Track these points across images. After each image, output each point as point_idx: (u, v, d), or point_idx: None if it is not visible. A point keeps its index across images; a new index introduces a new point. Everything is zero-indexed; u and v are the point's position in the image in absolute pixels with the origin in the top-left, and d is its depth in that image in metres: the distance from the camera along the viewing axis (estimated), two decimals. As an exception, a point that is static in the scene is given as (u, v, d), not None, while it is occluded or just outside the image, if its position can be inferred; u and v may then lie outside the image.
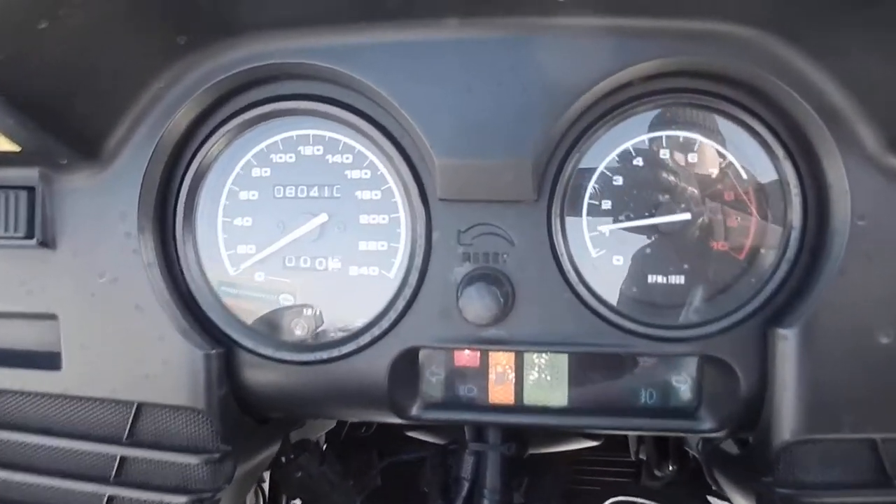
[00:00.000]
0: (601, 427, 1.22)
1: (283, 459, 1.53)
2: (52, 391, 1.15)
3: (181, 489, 1.13)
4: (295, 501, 1.84)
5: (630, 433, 1.67)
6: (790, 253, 1.05)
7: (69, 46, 0.93)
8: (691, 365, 1.13)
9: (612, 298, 1.11)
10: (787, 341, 1.01)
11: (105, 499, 1.14)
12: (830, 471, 1.04)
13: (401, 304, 1.11)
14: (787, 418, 1.01)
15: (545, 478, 1.63)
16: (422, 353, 1.17)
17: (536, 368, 1.15)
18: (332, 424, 1.88)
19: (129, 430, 1.14)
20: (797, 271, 1.06)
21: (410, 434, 1.84)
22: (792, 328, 1.00)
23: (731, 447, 1.26)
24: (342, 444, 2.00)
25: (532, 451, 1.72)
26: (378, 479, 1.83)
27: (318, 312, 1.18)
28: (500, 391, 1.17)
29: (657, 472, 1.77)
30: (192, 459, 1.12)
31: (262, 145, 1.17)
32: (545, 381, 1.15)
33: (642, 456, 1.90)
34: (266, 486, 1.81)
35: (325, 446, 1.96)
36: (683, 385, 1.14)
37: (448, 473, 1.56)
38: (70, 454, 1.16)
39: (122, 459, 1.14)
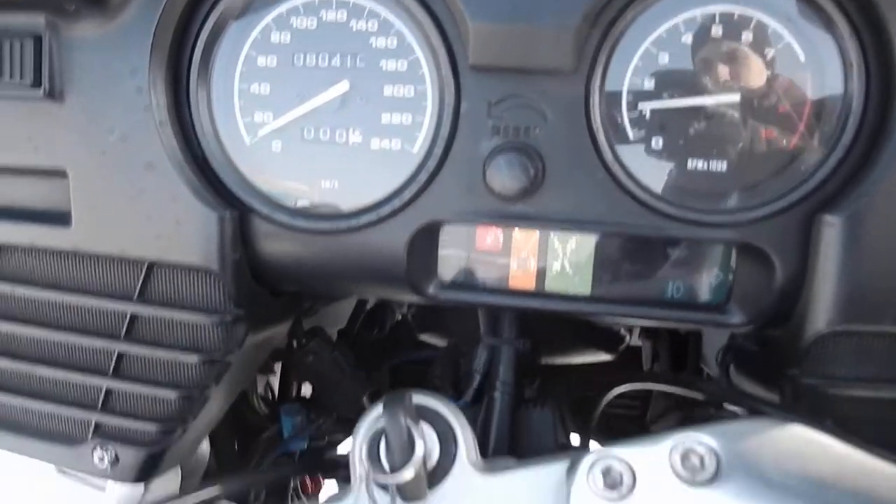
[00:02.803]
0: (622, 315, 1.19)
1: (295, 344, 1.52)
2: (62, 247, 1.14)
3: (192, 349, 1.13)
4: (306, 386, 1.85)
5: (652, 324, 1.63)
6: (846, 138, 0.98)
7: None
8: (724, 259, 1.09)
9: (648, 180, 1.05)
10: (832, 228, 0.95)
11: (115, 356, 1.14)
12: (865, 365, 1.00)
13: (423, 176, 1.07)
14: (823, 308, 0.97)
15: (557, 380, 1.62)
16: (442, 234, 1.13)
17: (560, 257, 1.12)
18: (343, 322, 1.87)
19: (140, 289, 1.13)
20: (851, 158, 0.99)
21: (423, 339, 1.83)
22: (840, 214, 0.95)
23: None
24: (353, 344, 2.00)
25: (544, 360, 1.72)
26: (387, 376, 1.83)
27: (335, 185, 1.13)
28: (522, 276, 1.14)
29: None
30: (203, 319, 1.11)
31: (282, 8, 1.10)
32: (568, 271, 1.12)
33: (656, 372, 1.88)
34: (277, 377, 1.82)
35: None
36: (714, 281, 1.10)
37: (458, 369, 1.55)
38: (79, 312, 1.16)
39: (133, 318, 1.14)
